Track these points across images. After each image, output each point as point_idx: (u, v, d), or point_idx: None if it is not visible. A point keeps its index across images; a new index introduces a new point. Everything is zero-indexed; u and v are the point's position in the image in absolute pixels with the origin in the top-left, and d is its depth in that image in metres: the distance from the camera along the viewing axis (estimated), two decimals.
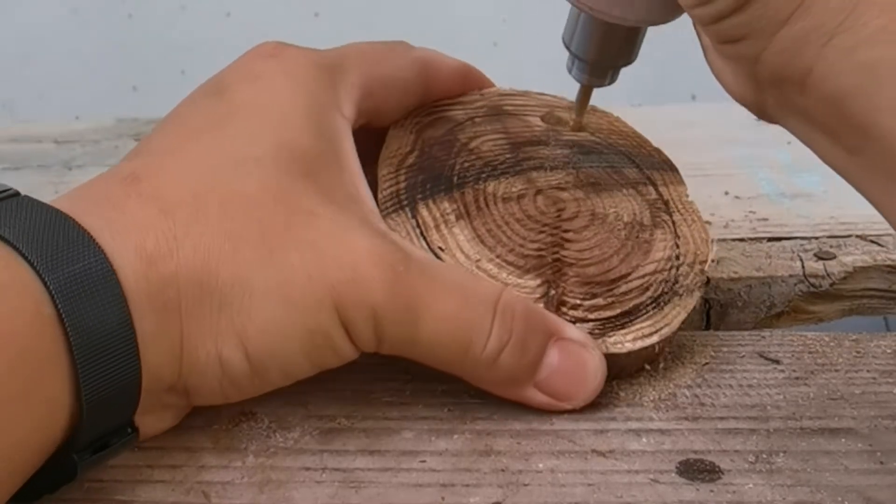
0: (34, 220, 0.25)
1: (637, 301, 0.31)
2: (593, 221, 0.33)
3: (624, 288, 0.31)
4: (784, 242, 0.44)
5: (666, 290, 0.32)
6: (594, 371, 0.30)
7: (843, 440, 0.30)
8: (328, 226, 0.28)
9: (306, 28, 1.12)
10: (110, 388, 0.25)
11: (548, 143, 0.35)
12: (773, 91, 0.27)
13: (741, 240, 0.44)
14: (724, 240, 0.44)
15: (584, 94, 0.35)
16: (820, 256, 0.42)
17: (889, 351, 0.35)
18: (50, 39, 1.12)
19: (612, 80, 0.34)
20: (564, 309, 0.30)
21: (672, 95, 0.93)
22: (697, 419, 0.31)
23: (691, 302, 0.32)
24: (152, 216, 0.27)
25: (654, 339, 0.31)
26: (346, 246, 0.28)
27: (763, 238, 0.44)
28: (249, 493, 0.28)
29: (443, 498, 0.27)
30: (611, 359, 0.30)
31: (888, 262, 0.41)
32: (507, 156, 0.34)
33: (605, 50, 0.33)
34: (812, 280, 0.41)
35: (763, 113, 0.29)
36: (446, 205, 0.31)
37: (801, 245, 0.43)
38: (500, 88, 0.37)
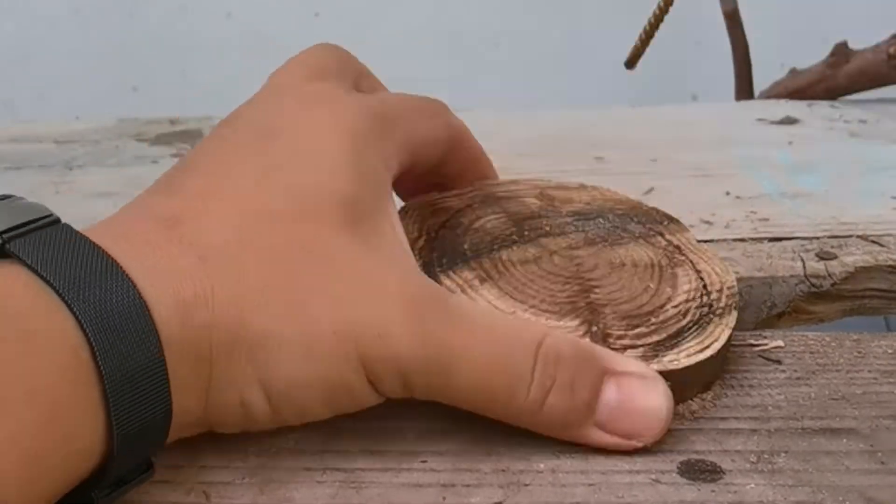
0: (76, 259, 0.25)
1: (679, 325, 0.31)
2: (614, 269, 0.33)
3: (662, 317, 0.32)
4: (785, 243, 0.44)
5: (704, 313, 0.32)
6: (658, 404, 0.29)
7: (844, 440, 0.30)
8: (361, 278, 0.28)
9: (306, 28, 1.12)
10: (142, 434, 0.25)
11: (548, 216, 0.36)
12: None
13: (742, 240, 0.44)
14: (724, 240, 0.44)
15: None
16: (821, 256, 0.42)
17: (890, 351, 0.35)
18: (50, 39, 1.12)
19: None
20: (611, 340, 0.30)
21: (672, 95, 0.94)
22: (698, 419, 0.31)
23: (731, 320, 0.32)
24: (191, 264, 0.27)
25: (708, 353, 0.31)
26: (376, 299, 0.28)
27: (764, 238, 0.44)
28: (250, 493, 0.28)
29: (444, 498, 0.27)
30: (673, 377, 0.30)
31: (889, 263, 0.41)
32: (513, 229, 0.35)
33: None
34: (813, 280, 0.41)
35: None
36: (467, 273, 0.32)
37: (803, 245, 0.43)
38: (488, 181, 0.38)
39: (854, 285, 0.41)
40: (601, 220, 0.36)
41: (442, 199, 0.35)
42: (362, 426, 0.30)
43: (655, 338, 0.31)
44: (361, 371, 0.27)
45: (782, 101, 0.68)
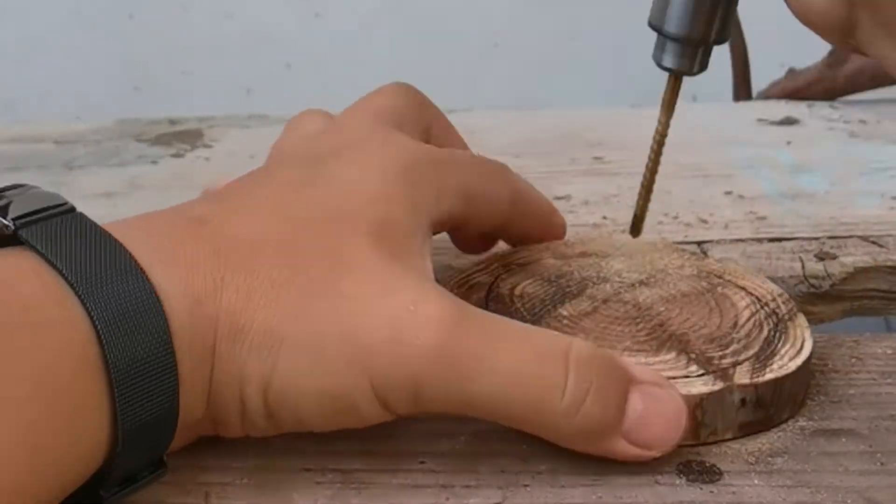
0: (87, 247, 0.25)
1: (764, 335, 0.32)
2: (670, 303, 0.33)
3: (743, 332, 0.32)
4: (785, 243, 0.44)
5: (775, 322, 0.32)
6: (678, 411, 0.28)
7: (843, 441, 0.30)
8: (376, 282, 0.27)
9: (307, 28, 1.12)
10: (147, 428, 0.25)
11: (575, 271, 0.36)
12: (868, 7, 0.25)
13: (741, 240, 0.44)
14: (724, 240, 0.44)
15: (675, 84, 0.36)
16: (821, 257, 0.42)
17: (890, 352, 0.35)
18: (51, 39, 1.12)
19: (702, 68, 0.34)
20: (715, 362, 0.30)
21: None
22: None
23: (803, 322, 0.32)
24: (204, 255, 0.27)
25: (805, 354, 0.31)
26: (390, 303, 0.27)
27: (764, 238, 0.44)
28: (249, 493, 0.28)
29: (447, 499, 0.27)
30: (778, 384, 0.30)
31: (889, 263, 0.41)
32: (553, 288, 0.34)
33: (700, 19, 0.33)
34: (813, 281, 0.41)
35: (848, 36, 0.26)
36: None
37: (802, 246, 0.43)
38: (498, 252, 0.38)
39: (853, 286, 0.41)
40: (623, 265, 0.36)
41: (469, 276, 0.35)
42: (362, 427, 0.30)
43: (752, 350, 0.31)
44: (366, 380, 0.26)
45: (782, 102, 0.68)
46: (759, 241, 0.44)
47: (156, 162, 0.57)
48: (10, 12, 1.12)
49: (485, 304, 0.34)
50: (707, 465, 0.29)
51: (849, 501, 0.27)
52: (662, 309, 0.33)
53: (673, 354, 0.30)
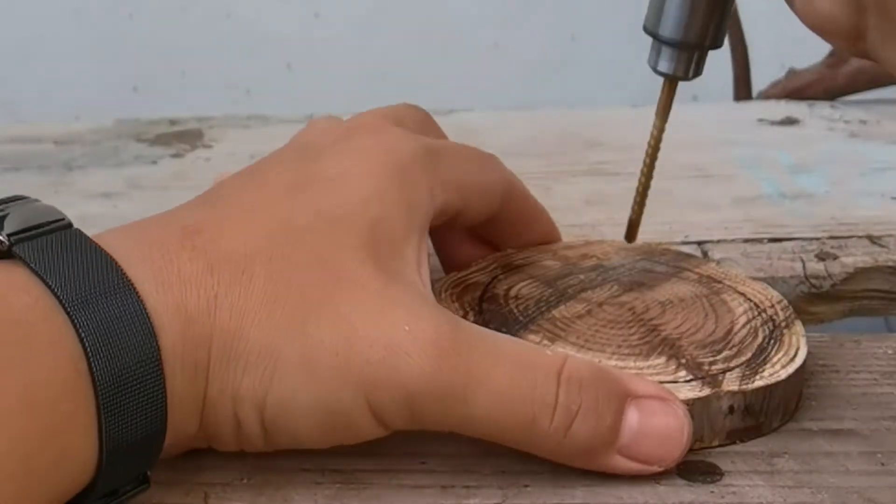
0: (80, 265, 0.25)
1: (757, 342, 0.31)
2: (665, 307, 0.33)
3: (737, 339, 0.32)
4: (785, 243, 0.44)
5: (771, 329, 0.32)
6: (679, 425, 0.28)
7: (844, 442, 0.30)
8: (371, 299, 0.27)
9: (306, 28, 1.12)
10: (134, 446, 0.25)
11: (573, 273, 0.36)
12: (878, 12, 0.25)
13: (742, 240, 0.44)
14: (724, 240, 0.44)
15: (670, 89, 0.36)
16: (821, 257, 0.42)
17: (890, 352, 0.35)
18: (50, 39, 1.12)
19: (697, 73, 0.35)
20: (705, 367, 0.30)
21: None
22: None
23: (800, 329, 0.32)
24: (199, 272, 0.27)
25: (798, 361, 0.30)
26: (385, 322, 0.27)
27: (764, 239, 0.44)
28: (249, 494, 0.28)
29: (447, 499, 0.27)
30: (768, 392, 0.30)
31: (889, 263, 0.41)
32: (549, 290, 0.34)
33: (696, 24, 0.33)
34: (813, 281, 0.41)
35: (856, 41, 0.26)
36: (532, 336, 0.31)
37: (803, 246, 0.43)
38: (503, 252, 0.37)
39: (854, 286, 0.41)
40: (623, 267, 0.36)
41: (466, 276, 0.35)
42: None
43: (744, 357, 0.31)
44: (362, 397, 0.26)
45: (783, 102, 0.68)
46: (760, 241, 0.44)
47: (155, 162, 0.57)
48: (11, 12, 1.12)
49: (479, 305, 0.33)
50: (708, 465, 0.29)
51: (849, 502, 0.27)
52: (657, 313, 0.33)
53: (663, 359, 0.30)
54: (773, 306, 0.33)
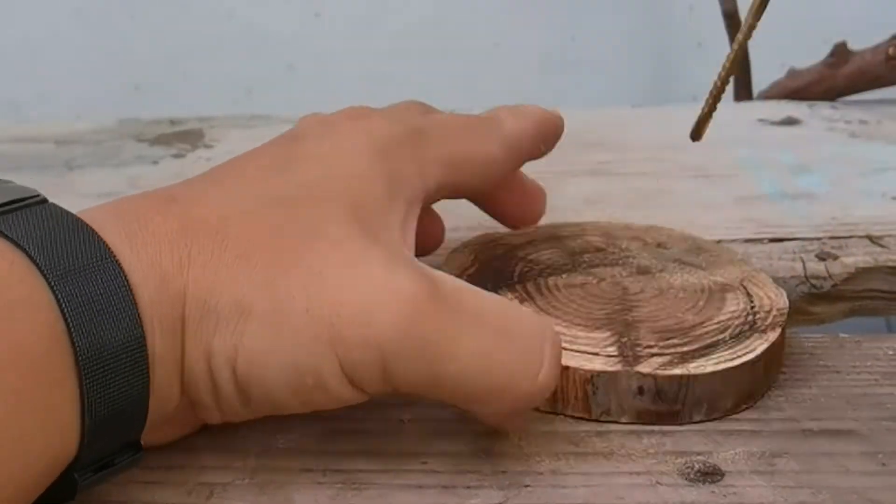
0: (55, 231, 0.25)
1: (715, 339, 0.31)
2: (662, 293, 0.34)
3: (700, 332, 0.32)
4: (786, 243, 0.44)
5: (744, 329, 0.32)
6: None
7: (844, 442, 0.30)
8: (346, 258, 0.27)
9: (307, 28, 1.12)
10: (118, 407, 0.25)
11: (607, 251, 0.36)
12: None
13: (743, 240, 0.44)
14: (725, 240, 0.44)
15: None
16: (822, 257, 0.42)
17: (891, 352, 0.35)
18: (51, 39, 1.12)
19: None
20: (638, 349, 0.30)
21: (673, 96, 0.94)
22: (699, 421, 0.31)
23: (774, 335, 0.32)
24: (172, 231, 0.26)
25: (737, 362, 0.30)
26: (358, 278, 0.26)
27: (765, 239, 0.44)
28: (250, 494, 0.28)
29: (448, 499, 0.27)
30: (684, 382, 0.30)
31: (890, 264, 0.41)
32: (567, 261, 0.35)
33: None
34: (814, 281, 0.41)
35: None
36: (508, 294, 0.32)
37: (803, 246, 0.43)
38: (555, 223, 0.38)
39: (855, 286, 0.41)
40: (661, 251, 0.36)
41: (503, 237, 0.36)
42: (362, 427, 0.30)
43: (686, 348, 0.31)
44: (333, 357, 0.26)
45: (783, 102, 0.68)
46: (760, 241, 0.44)
47: (156, 162, 0.57)
48: (11, 13, 1.12)
49: (488, 262, 0.34)
50: (708, 465, 0.29)
51: (850, 503, 0.27)
52: (646, 297, 0.33)
53: (607, 334, 0.31)
54: (768, 311, 0.33)
